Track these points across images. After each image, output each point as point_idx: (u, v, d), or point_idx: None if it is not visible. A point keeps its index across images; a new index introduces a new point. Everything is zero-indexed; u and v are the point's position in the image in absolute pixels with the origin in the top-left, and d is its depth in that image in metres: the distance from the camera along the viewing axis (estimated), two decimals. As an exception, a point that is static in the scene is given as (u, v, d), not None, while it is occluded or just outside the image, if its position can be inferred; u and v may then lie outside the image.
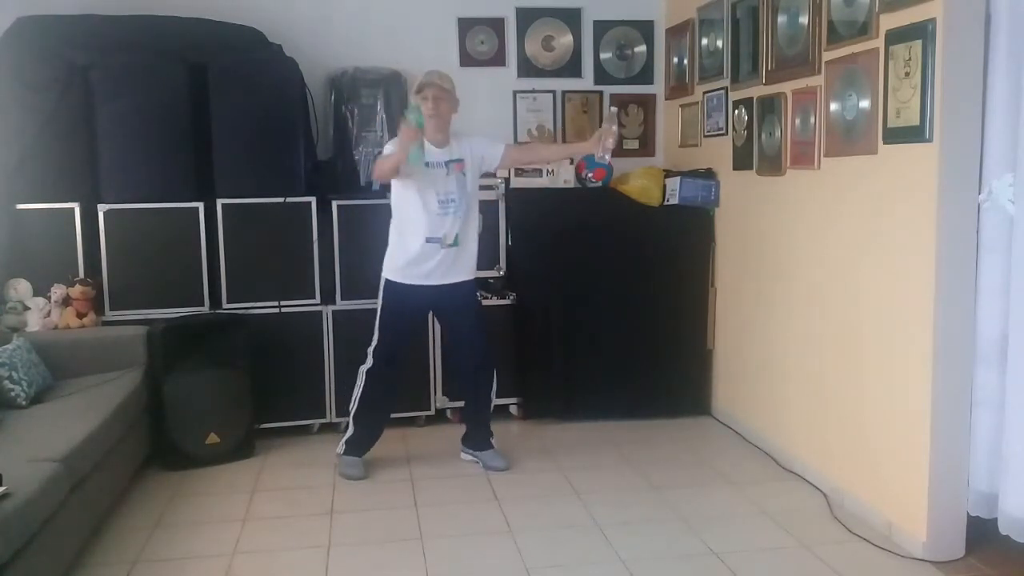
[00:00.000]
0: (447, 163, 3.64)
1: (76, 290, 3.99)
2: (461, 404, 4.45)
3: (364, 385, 3.82)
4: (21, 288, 4.05)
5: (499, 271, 4.58)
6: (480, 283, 4.10)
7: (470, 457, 3.98)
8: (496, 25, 5.02)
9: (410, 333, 3.91)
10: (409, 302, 3.74)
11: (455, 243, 3.67)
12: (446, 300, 3.76)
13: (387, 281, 3.74)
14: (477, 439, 3.95)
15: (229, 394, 4.00)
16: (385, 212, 3.87)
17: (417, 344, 4.24)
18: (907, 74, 2.96)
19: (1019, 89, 2.77)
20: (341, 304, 4.35)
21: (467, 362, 3.89)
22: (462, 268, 3.74)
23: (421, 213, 3.61)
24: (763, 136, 4.01)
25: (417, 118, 3.43)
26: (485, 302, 4.31)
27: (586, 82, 5.16)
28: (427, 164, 3.58)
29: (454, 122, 3.72)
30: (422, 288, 3.70)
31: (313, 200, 4.28)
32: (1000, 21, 2.81)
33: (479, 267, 4.00)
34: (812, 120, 3.58)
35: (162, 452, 3.92)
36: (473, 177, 3.73)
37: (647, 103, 5.24)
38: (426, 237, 3.63)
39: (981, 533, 3.03)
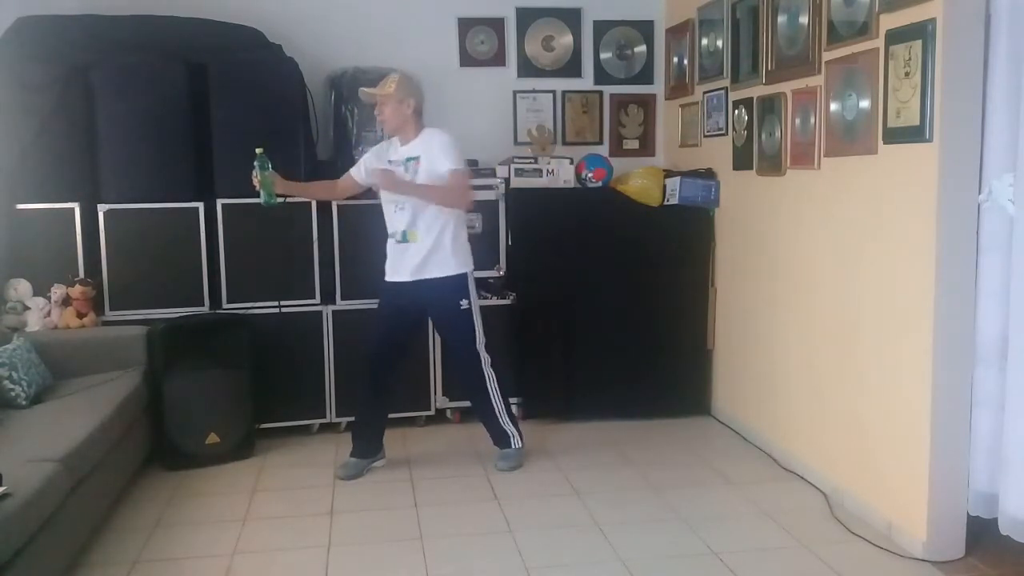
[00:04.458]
0: (407, 160, 3.69)
1: (76, 290, 3.98)
2: (461, 404, 4.47)
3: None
4: (21, 288, 4.05)
5: (499, 271, 4.58)
6: (480, 283, 4.09)
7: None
8: (496, 25, 5.02)
9: (398, 334, 3.85)
10: (391, 300, 3.80)
11: (403, 239, 3.69)
12: (423, 299, 3.76)
13: (383, 281, 3.83)
14: (494, 436, 3.95)
15: (229, 394, 4.00)
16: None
17: (416, 346, 4.22)
18: (907, 74, 2.96)
19: (1019, 89, 2.77)
20: (341, 304, 4.35)
21: (455, 368, 3.99)
22: (423, 264, 3.70)
23: (385, 210, 3.78)
24: (763, 136, 4.01)
25: (261, 162, 3.61)
26: (485, 302, 4.30)
27: (586, 82, 5.16)
28: (390, 162, 3.74)
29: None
30: (399, 285, 3.75)
31: (313, 200, 4.28)
32: (1000, 21, 2.81)
33: (480, 267, 4.01)
34: (812, 120, 3.58)
35: (162, 452, 3.92)
36: (427, 174, 3.67)
37: (647, 103, 5.24)
38: (389, 232, 3.77)
39: (981, 533, 3.03)
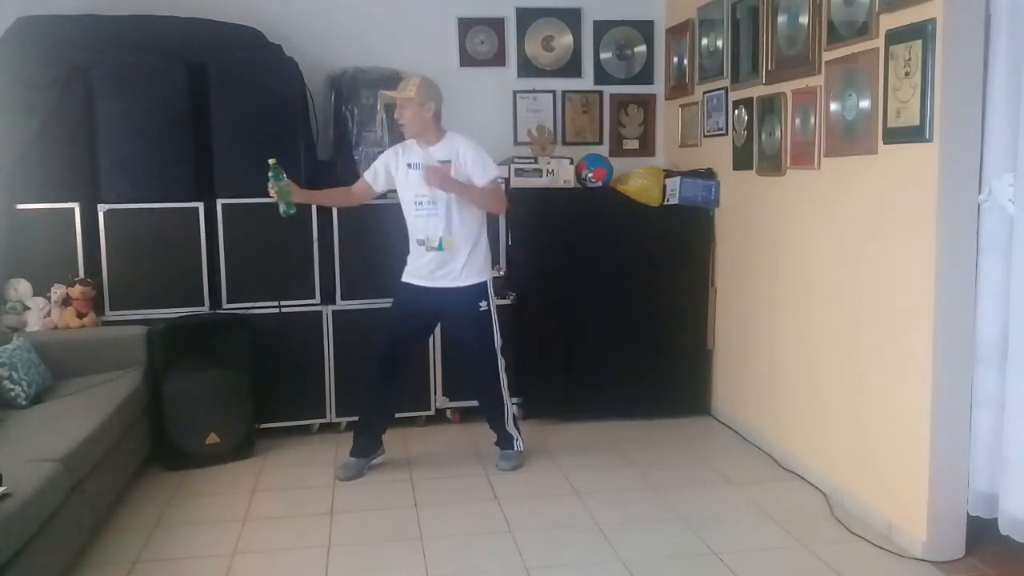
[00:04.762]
0: (427, 165, 3.64)
1: (76, 290, 3.99)
2: (461, 404, 4.47)
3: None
4: (21, 288, 4.05)
5: (499, 271, 4.57)
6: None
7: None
8: (496, 25, 5.02)
9: (410, 336, 3.86)
10: (409, 302, 3.77)
11: (439, 247, 3.65)
12: (444, 305, 3.75)
13: (400, 282, 3.80)
14: (497, 437, 3.95)
15: (229, 394, 4.00)
16: (384, 212, 3.87)
17: (418, 346, 4.22)
18: (907, 74, 2.96)
19: (1019, 89, 2.77)
20: (341, 304, 4.35)
21: (470, 370, 3.95)
22: (455, 273, 3.69)
23: (407, 215, 3.73)
24: (763, 136, 4.01)
25: (275, 172, 3.56)
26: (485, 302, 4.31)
27: (586, 82, 5.16)
28: (409, 166, 3.69)
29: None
30: (419, 288, 3.73)
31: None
32: (1000, 21, 2.81)
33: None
34: (812, 120, 3.58)
35: (162, 452, 3.92)
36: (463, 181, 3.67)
37: (647, 103, 5.24)
38: (416, 239, 3.72)
39: (981, 533, 3.03)
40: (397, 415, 4.11)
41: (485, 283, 3.77)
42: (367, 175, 3.84)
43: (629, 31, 5.18)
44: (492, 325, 3.79)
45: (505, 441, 3.93)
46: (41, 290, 4.05)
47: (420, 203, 3.65)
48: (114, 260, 4.12)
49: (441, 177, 3.57)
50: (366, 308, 4.27)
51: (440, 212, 3.63)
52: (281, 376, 4.25)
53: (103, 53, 4.14)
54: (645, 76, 5.21)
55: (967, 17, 2.82)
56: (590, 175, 4.67)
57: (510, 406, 3.91)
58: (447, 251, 3.66)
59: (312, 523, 3.37)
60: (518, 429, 3.96)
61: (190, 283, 4.20)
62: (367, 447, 3.89)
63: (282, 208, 3.63)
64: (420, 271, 3.73)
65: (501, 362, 3.84)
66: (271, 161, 3.57)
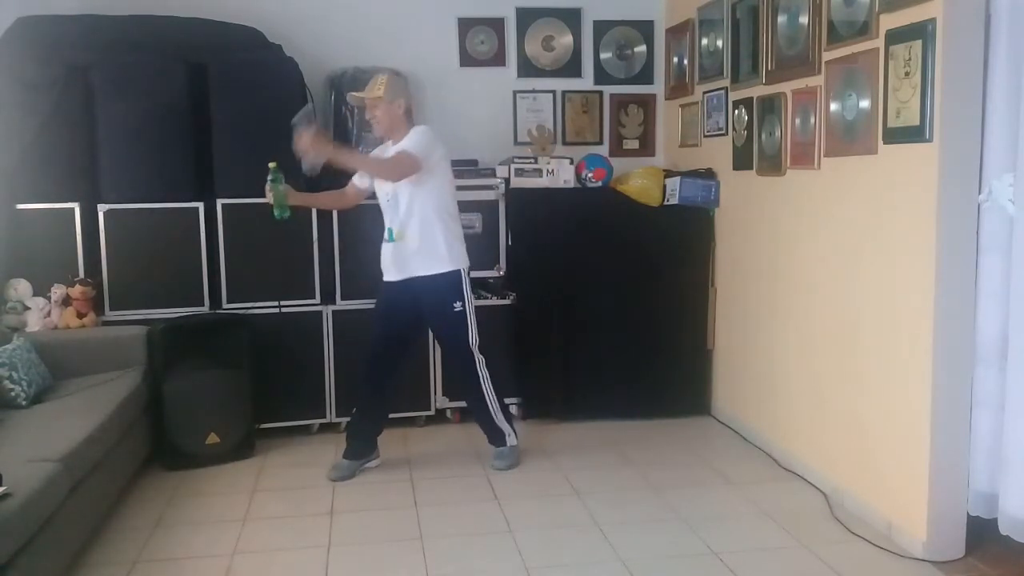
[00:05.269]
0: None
1: (76, 290, 3.99)
2: (461, 404, 4.47)
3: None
4: (21, 288, 4.05)
5: (499, 271, 4.58)
6: (480, 283, 4.09)
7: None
8: (496, 25, 5.02)
9: (396, 335, 3.82)
10: (389, 299, 3.79)
11: (390, 238, 3.70)
12: (420, 298, 3.74)
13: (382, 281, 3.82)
14: (489, 435, 3.94)
15: (229, 394, 4.00)
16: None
17: (416, 346, 4.21)
18: (907, 74, 2.96)
19: (1019, 89, 2.77)
20: (341, 304, 4.35)
21: (449, 365, 3.97)
22: (411, 263, 3.69)
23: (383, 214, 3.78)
24: (763, 136, 4.01)
25: (274, 175, 3.55)
26: (485, 302, 4.32)
27: (586, 82, 5.16)
28: None
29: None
30: (394, 284, 3.75)
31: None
32: (1000, 21, 2.82)
33: (480, 267, 4.00)
34: (812, 120, 3.58)
35: (162, 452, 3.93)
36: None
37: (647, 103, 5.24)
38: (387, 230, 3.76)
39: (981, 533, 3.03)
40: (398, 415, 4.11)
41: (457, 273, 3.72)
42: (356, 178, 3.86)
43: (629, 31, 5.19)
44: (467, 324, 3.76)
45: (496, 437, 3.91)
46: (41, 290, 4.05)
47: (388, 200, 3.71)
48: (114, 260, 4.12)
49: (307, 140, 3.46)
50: (366, 308, 4.26)
51: (394, 204, 3.67)
52: (281, 376, 4.25)
53: (103, 53, 4.14)
54: (645, 76, 5.22)
55: (967, 17, 2.82)
56: (590, 175, 4.67)
57: (496, 402, 3.87)
58: (399, 241, 3.68)
59: (312, 523, 3.37)
60: (510, 423, 3.93)
61: (190, 283, 4.20)
62: (360, 449, 3.88)
63: (276, 212, 3.62)
64: (385, 264, 3.76)
65: (479, 359, 3.81)
66: (271, 164, 3.56)
